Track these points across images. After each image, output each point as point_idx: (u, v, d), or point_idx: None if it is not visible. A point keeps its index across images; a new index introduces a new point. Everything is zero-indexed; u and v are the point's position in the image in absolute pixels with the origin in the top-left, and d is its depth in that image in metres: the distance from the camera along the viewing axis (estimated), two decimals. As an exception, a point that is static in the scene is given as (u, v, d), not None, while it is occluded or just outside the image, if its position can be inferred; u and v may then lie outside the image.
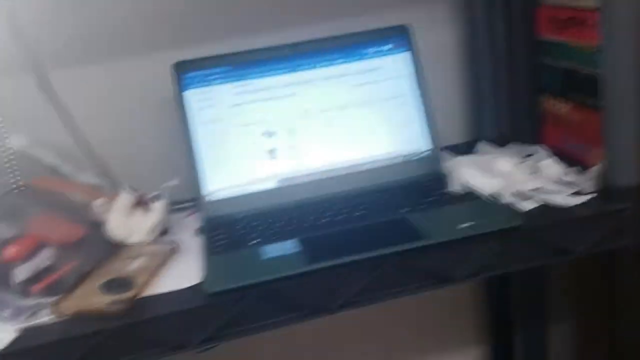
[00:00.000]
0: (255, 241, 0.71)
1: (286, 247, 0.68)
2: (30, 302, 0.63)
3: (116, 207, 0.76)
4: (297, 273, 0.62)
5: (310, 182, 0.84)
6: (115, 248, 0.75)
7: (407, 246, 0.64)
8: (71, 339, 0.59)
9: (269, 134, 0.85)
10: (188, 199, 0.86)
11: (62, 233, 0.74)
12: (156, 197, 0.77)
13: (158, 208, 0.76)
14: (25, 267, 0.66)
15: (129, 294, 0.63)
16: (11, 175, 0.87)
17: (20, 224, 0.72)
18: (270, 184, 0.84)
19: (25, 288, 0.65)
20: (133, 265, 0.70)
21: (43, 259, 0.68)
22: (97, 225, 0.78)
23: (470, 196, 0.75)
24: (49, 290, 0.65)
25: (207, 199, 0.82)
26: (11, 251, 0.67)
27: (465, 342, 1.14)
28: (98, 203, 0.77)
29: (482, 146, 0.92)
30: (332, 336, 1.09)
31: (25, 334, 0.60)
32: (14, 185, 0.85)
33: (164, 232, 0.79)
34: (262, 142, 0.84)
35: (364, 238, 0.68)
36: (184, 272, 0.68)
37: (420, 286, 0.64)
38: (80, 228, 0.76)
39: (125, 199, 0.75)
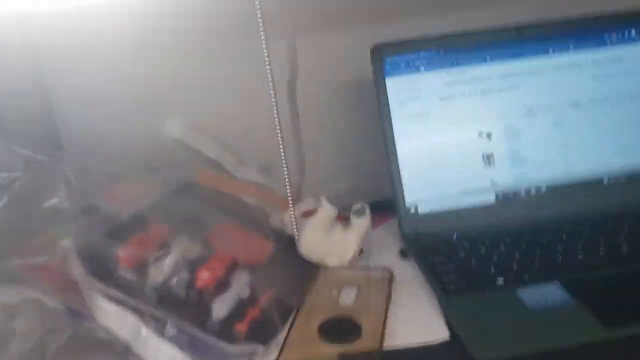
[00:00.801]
0: (500, 279, 0.56)
1: (552, 294, 0.53)
2: (238, 348, 0.50)
3: (315, 220, 0.62)
4: (594, 341, 0.47)
5: (536, 197, 0.68)
6: (310, 271, 0.61)
7: None
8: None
9: (485, 135, 0.69)
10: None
11: (250, 249, 0.60)
12: (359, 211, 0.62)
13: (362, 224, 0.62)
14: (224, 299, 0.53)
15: (364, 346, 0.50)
16: (171, 170, 0.74)
17: (201, 236, 0.59)
18: (486, 197, 0.68)
19: (227, 327, 0.52)
20: (347, 299, 0.56)
21: (240, 286, 0.55)
22: (283, 239, 0.64)
23: None
24: (254, 330, 0.52)
25: (407, 211, 0.68)
26: (205, 277, 0.54)
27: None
28: (290, 213, 0.63)
29: None
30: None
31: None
32: (177, 183, 0.71)
33: (359, 250, 0.65)
34: (476, 145, 0.69)
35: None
36: (415, 315, 0.54)
37: None
38: (267, 242, 0.63)
39: (328, 212, 0.61)
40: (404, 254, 0.65)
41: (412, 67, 0.69)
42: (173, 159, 0.75)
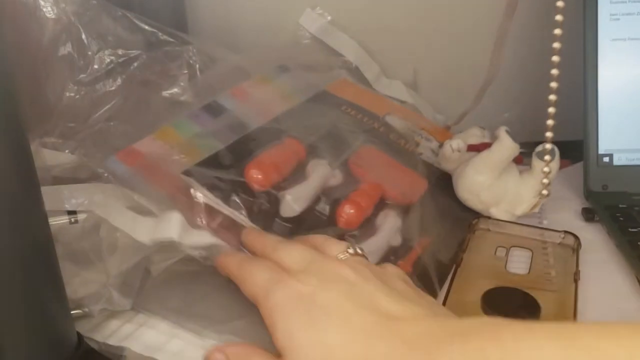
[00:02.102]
0: None
1: None
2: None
3: (487, 157, 0.48)
4: None
5: None
6: (468, 221, 0.49)
7: None
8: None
9: None
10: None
11: (401, 184, 0.49)
12: (547, 154, 0.48)
13: (546, 169, 0.48)
14: (371, 246, 0.42)
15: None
16: (305, 74, 0.61)
17: (344, 160, 0.48)
18: None
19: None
20: (518, 265, 0.44)
21: (391, 231, 0.44)
22: (435, 177, 0.52)
23: None
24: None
25: (599, 160, 0.53)
26: (349, 214, 0.43)
27: None
28: (454, 145, 0.50)
29: None
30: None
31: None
32: (312, 91, 0.57)
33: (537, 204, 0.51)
34: None
35: None
36: (609, 301, 0.42)
37: None
38: (420, 179, 0.50)
39: (507, 148, 0.48)
40: (589, 215, 0.51)
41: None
42: (308, 61, 0.63)
